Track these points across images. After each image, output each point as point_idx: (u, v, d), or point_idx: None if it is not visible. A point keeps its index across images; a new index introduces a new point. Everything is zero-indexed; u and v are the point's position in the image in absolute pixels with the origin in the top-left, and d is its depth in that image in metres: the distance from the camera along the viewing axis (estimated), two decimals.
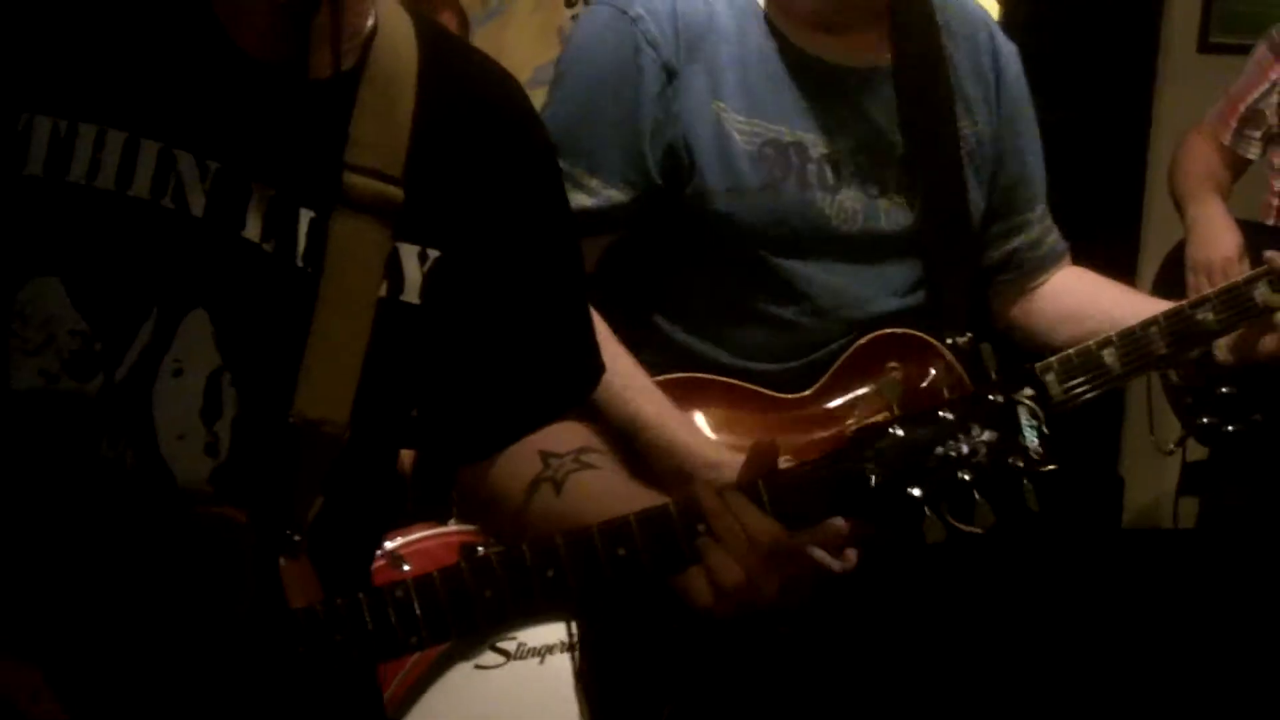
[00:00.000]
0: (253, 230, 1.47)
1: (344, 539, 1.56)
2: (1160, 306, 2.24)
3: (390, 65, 1.53)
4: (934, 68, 2.14)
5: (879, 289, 2.15)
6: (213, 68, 1.46)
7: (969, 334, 2.17)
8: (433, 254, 1.54)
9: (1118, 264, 4.83)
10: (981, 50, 2.22)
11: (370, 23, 1.53)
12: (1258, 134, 3.17)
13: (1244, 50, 3.26)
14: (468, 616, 1.46)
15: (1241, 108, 3.17)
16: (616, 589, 1.49)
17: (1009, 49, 2.27)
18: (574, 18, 4.31)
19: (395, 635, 1.45)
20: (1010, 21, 5.05)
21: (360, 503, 1.57)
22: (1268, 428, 2.98)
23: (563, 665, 3.26)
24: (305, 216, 1.48)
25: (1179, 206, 3.23)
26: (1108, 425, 5.11)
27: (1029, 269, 2.32)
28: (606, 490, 1.58)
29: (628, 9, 2.06)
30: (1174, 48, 5.10)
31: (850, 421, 2.12)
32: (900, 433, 1.48)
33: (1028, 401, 1.49)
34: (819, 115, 2.09)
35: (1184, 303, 2.16)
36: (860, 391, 2.13)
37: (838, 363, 2.13)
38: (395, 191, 1.50)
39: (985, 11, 2.31)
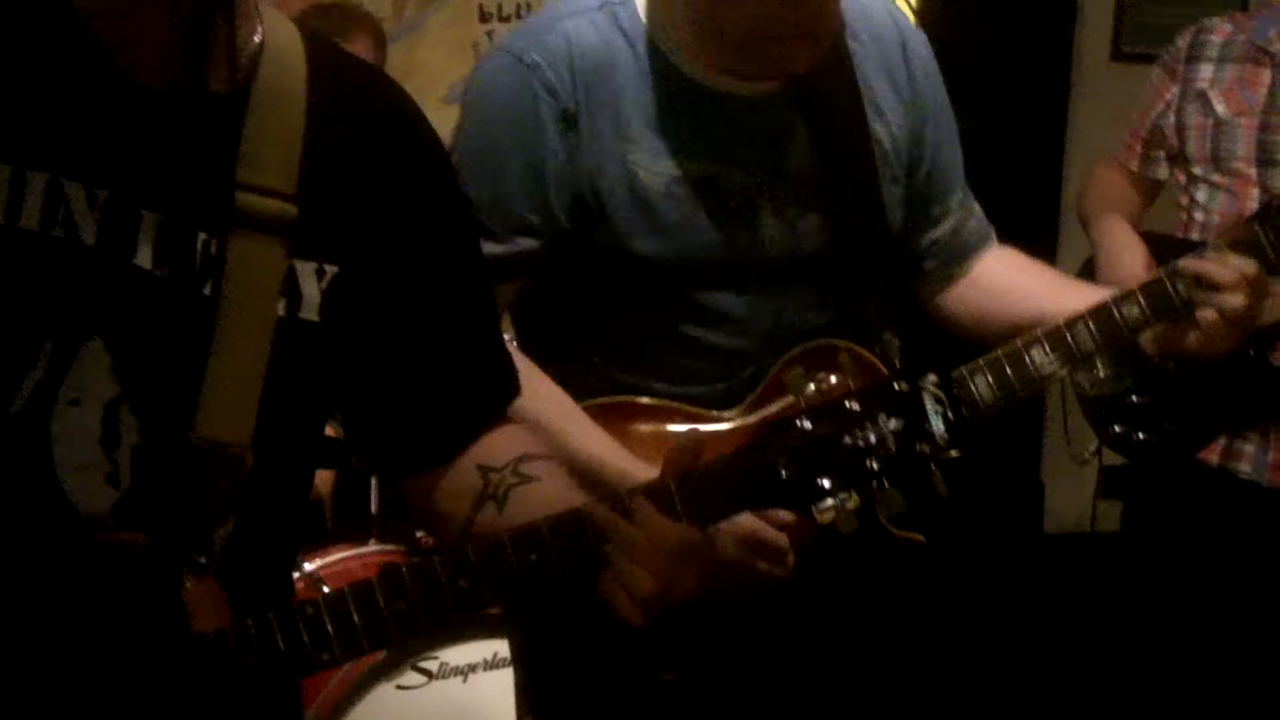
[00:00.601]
0: (144, 257, 1.44)
1: (256, 561, 1.54)
2: (1086, 289, 2.25)
3: (279, 81, 1.51)
4: (839, 79, 2.12)
5: (804, 304, 2.14)
6: (96, 95, 1.44)
7: (898, 342, 2.16)
8: (330, 270, 1.52)
9: None
10: (889, 45, 2.18)
11: (258, 39, 1.51)
12: (1161, 153, 3.19)
13: (1155, 59, 3.29)
14: (379, 629, 1.46)
15: (1144, 132, 3.20)
16: (531, 596, 1.50)
17: (917, 39, 2.23)
18: (489, 33, 4.30)
19: (307, 652, 1.44)
20: (924, 31, 5.09)
21: (270, 524, 1.56)
22: (1178, 435, 3.01)
23: (486, 684, 3.25)
24: (199, 238, 1.46)
25: (1085, 227, 3.26)
26: (1027, 433, 5.15)
27: (952, 257, 2.30)
28: (547, 503, 1.56)
29: (524, 56, 2.02)
30: (1087, 57, 5.15)
31: None
32: (807, 425, 1.49)
33: (933, 388, 1.50)
34: (728, 147, 2.06)
35: (1108, 298, 2.16)
36: (789, 401, 2.12)
37: (767, 378, 2.12)
38: (289, 208, 1.48)
39: (886, 3, 2.27)
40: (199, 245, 1.46)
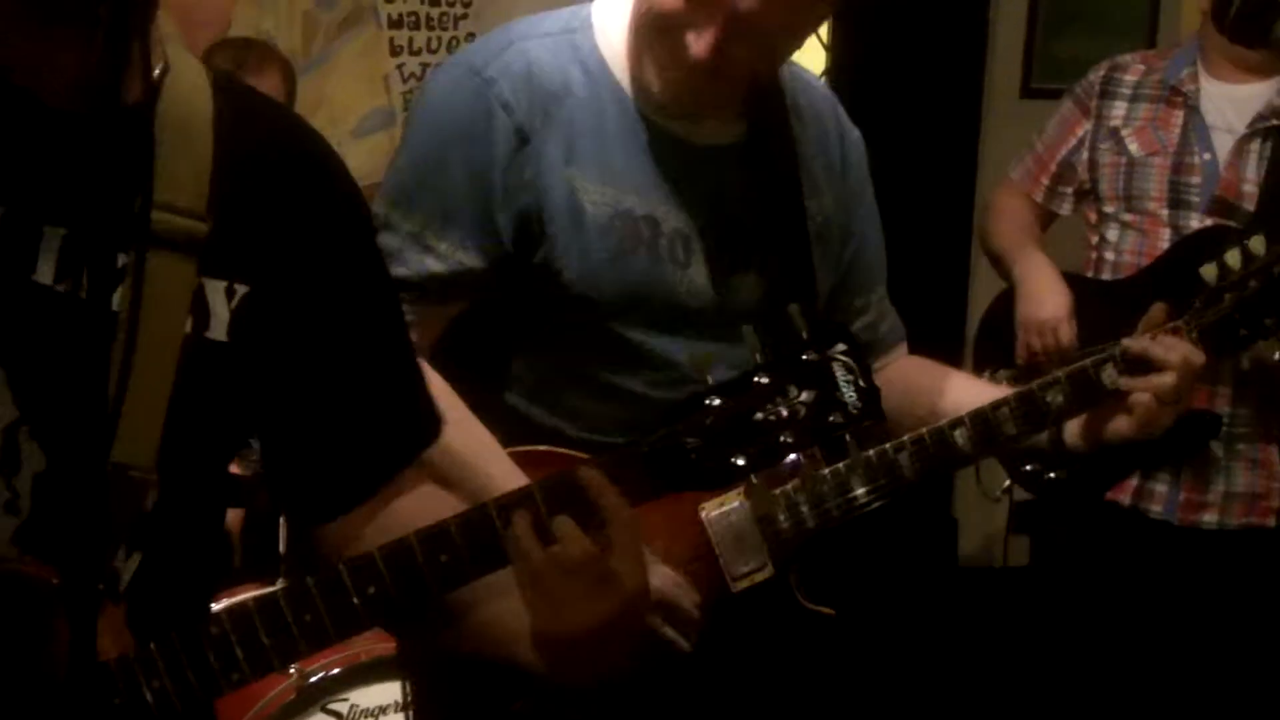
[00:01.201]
0: (45, 273, 1.40)
1: (168, 593, 1.50)
2: (988, 391, 2.26)
3: (186, 105, 1.48)
4: (784, 147, 2.13)
5: (725, 363, 2.12)
6: (9, 121, 1.41)
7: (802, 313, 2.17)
8: (240, 289, 1.49)
9: (945, 305, 4.92)
10: (829, 133, 2.21)
11: (161, 64, 1.48)
12: (1070, 190, 3.22)
13: (1067, 92, 3.32)
14: (288, 645, 1.44)
15: (1053, 165, 3.22)
16: (442, 597, 1.49)
17: (854, 135, 2.26)
18: (399, 66, 4.27)
19: (215, 675, 1.42)
20: (837, 66, 5.13)
21: (180, 555, 1.52)
22: (1088, 474, 3.02)
23: None
24: (103, 254, 1.42)
25: (999, 263, 3.27)
26: None
27: (868, 350, 2.31)
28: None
29: (482, 70, 2.01)
30: (997, 93, 5.20)
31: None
32: (717, 403, 1.48)
33: (842, 357, 1.49)
34: (672, 190, 2.06)
35: (1034, 384, 2.16)
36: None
37: None
38: (199, 226, 1.45)
39: (833, 96, 2.31)
40: (104, 261, 1.42)
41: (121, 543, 1.44)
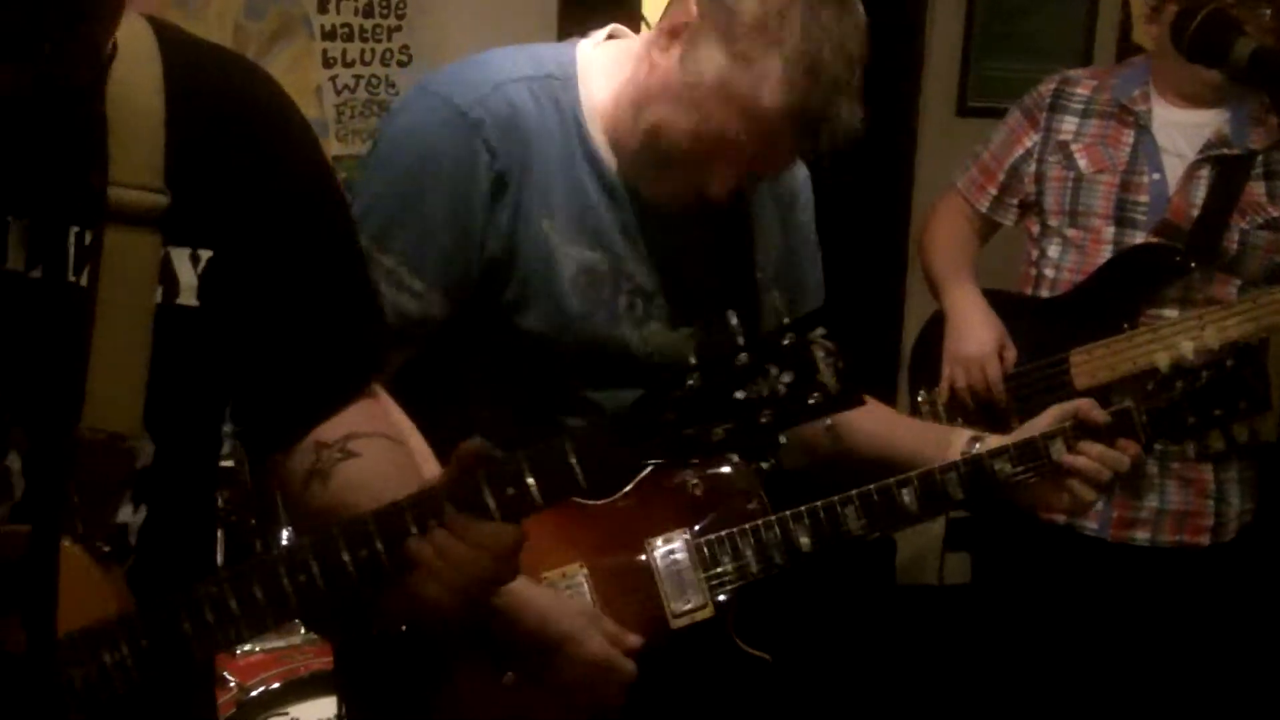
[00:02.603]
0: (16, 260, 1.46)
1: (173, 549, 1.58)
2: (919, 433, 2.33)
3: (135, 76, 1.51)
4: (737, 204, 2.12)
5: None
6: None
7: (771, 460, 2.19)
8: (204, 254, 1.54)
9: (881, 322, 4.92)
10: (780, 176, 2.21)
11: (110, 44, 1.50)
12: (1015, 201, 3.21)
13: (1000, 113, 3.31)
14: (283, 603, 1.49)
15: (1000, 174, 3.21)
16: (365, 589, 1.52)
17: (803, 174, 2.28)
18: (332, 79, 4.23)
19: (212, 630, 1.47)
20: None
21: (182, 511, 1.60)
22: None
23: None
24: (70, 236, 1.47)
25: (933, 285, 3.26)
26: None
27: None
28: (364, 481, 1.60)
29: (469, 111, 1.99)
30: (932, 111, 5.21)
31: (644, 533, 2.13)
32: (697, 381, 1.49)
33: (821, 340, 1.50)
34: (634, 247, 2.07)
35: (983, 451, 2.19)
36: (658, 500, 2.14)
37: (637, 478, 2.12)
38: (159, 199, 1.50)
39: None
40: (71, 243, 1.46)
41: (117, 506, 1.51)
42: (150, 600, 1.49)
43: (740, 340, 1.50)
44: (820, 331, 1.51)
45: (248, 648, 3.22)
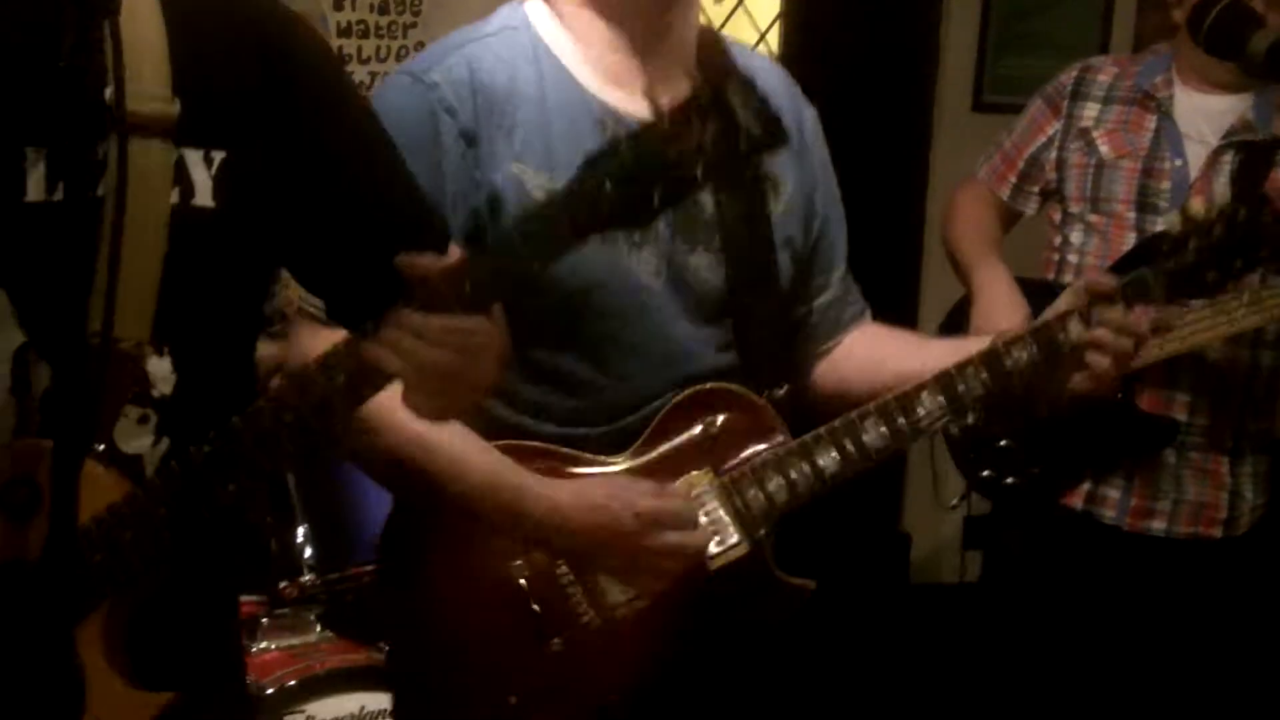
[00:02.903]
0: (35, 191, 1.49)
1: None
2: (948, 344, 2.28)
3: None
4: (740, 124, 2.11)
5: (690, 349, 2.12)
6: None
7: (786, 386, 2.16)
8: (217, 155, 1.57)
9: (897, 320, 4.90)
10: (786, 112, 2.16)
11: None
12: (1036, 189, 3.19)
13: (1015, 109, 3.29)
14: (274, 446, 1.53)
15: (1020, 162, 3.19)
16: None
17: (810, 115, 2.27)
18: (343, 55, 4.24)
19: (214, 490, 1.52)
20: None
21: (213, 411, 1.58)
22: (1045, 479, 3.01)
23: None
24: (84, 156, 1.48)
25: (959, 269, 3.24)
26: (889, 482, 5.15)
27: (824, 332, 2.32)
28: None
29: (424, 76, 2.03)
30: (948, 107, 5.20)
31: (667, 481, 2.10)
32: (625, 146, 1.49)
33: (738, 89, 1.52)
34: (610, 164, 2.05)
35: (999, 342, 2.15)
36: (678, 444, 2.11)
37: (654, 423, 2.10)
38: (168, 107, 1.53)
39: (784, 71, 2.33)
40: (85, 162, 1.48)
41: (122, 415, 1.53)
42: (151, 480, 1.54)
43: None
44: (735, 84, 1.52)
45: (264, 644, 3.22)
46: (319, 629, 3.29)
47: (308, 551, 3.32)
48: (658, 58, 2.07)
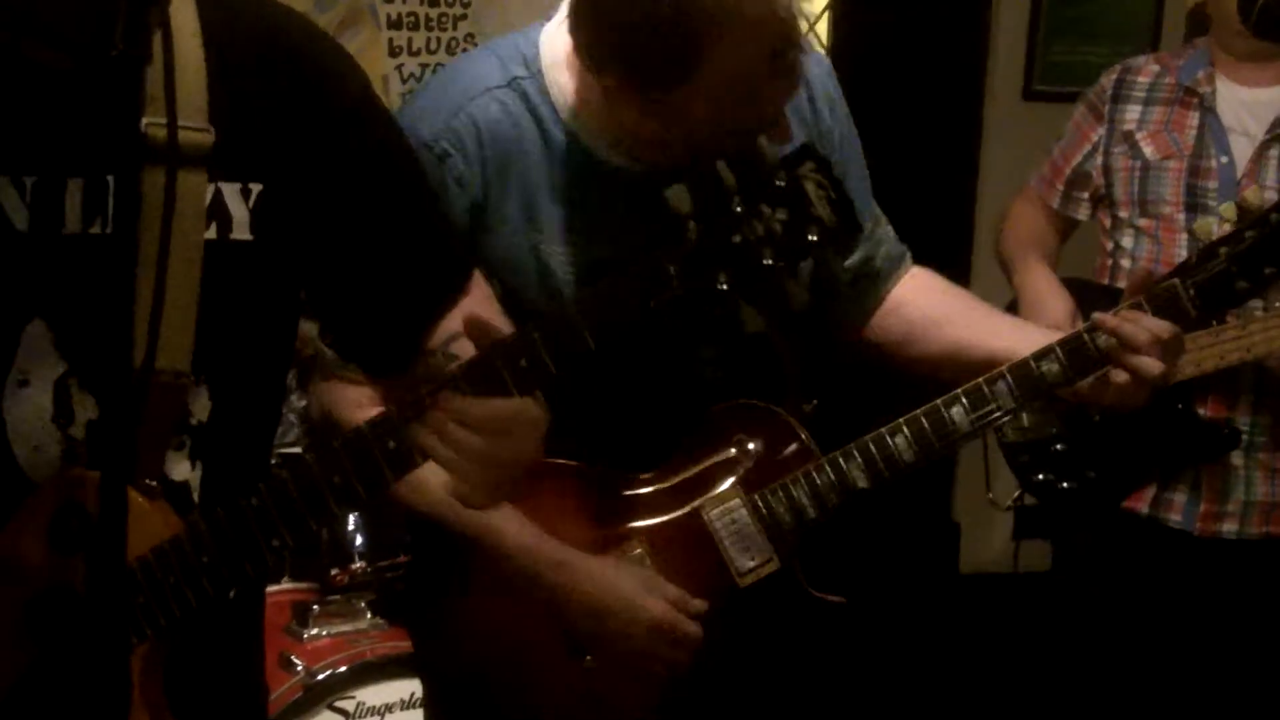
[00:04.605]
0: (73, 223, 1.49)
1: (238, 481, 1.59)
2: (1002, 319, 2.30)
3: (171, 22, 1.49)
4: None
5: (715, 368, 2.13)
6: (20, 91, 1.47)
7: (814, 400, 2.18)
8: (255, 188, 1.56)
9: None
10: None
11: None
12: (1085, 195, 3.17)
13: (1066, 98, 3.29)
14: (320, 505, 1.52)
15: (1067, 171, 3.18)
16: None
17: (818, 70, 2.19)
18: (398, 67, 4.25)
19: (259, 543, 1.52)
20: (837, 70, 5.10)
21: (237, 462, 1.62)
22: (1100, 483, 2.99)
23: None
24: (120, 185, 1.47)
25: (1004, 270, 3.24)
26: (940, 473, 5.14)
27: (868, 285, 2.29)
28: None
29: (434, 145, 1.98)
30: (998, 95, 5.17)
31: (697, 500, 2.11)
32: (694, 232, 1.49)
33: (812, 175, 1.50)
34: (635, 225, 2.02)
35: (1028, 355, 2.14)
36: (707, 461, 2.12)
37: (683, 442, 2.12)
38: (204, 137, 1.52)
39: None
40: (122, 192, 1.47)
41: (164, 441, 1.54)
42: (196, 525, 1.53)
43: (733, 185, 1.49)
44: (809, 165, 1.50)
45: (315, 631, 3.25)
46: (370, 615, 3.31)
47: (358, 539, 3.35)
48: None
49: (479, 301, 1.74)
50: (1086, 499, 3.00)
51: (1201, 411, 2.90)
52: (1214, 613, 3.02)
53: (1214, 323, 2.80)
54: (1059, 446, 2.96)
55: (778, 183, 1.49)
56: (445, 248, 1.77)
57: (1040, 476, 3.01)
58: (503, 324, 1.65)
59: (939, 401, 2.12)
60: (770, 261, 1.48)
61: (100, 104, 1.43)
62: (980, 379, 2.12)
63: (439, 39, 4.31)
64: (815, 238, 1.49)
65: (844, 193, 1.53)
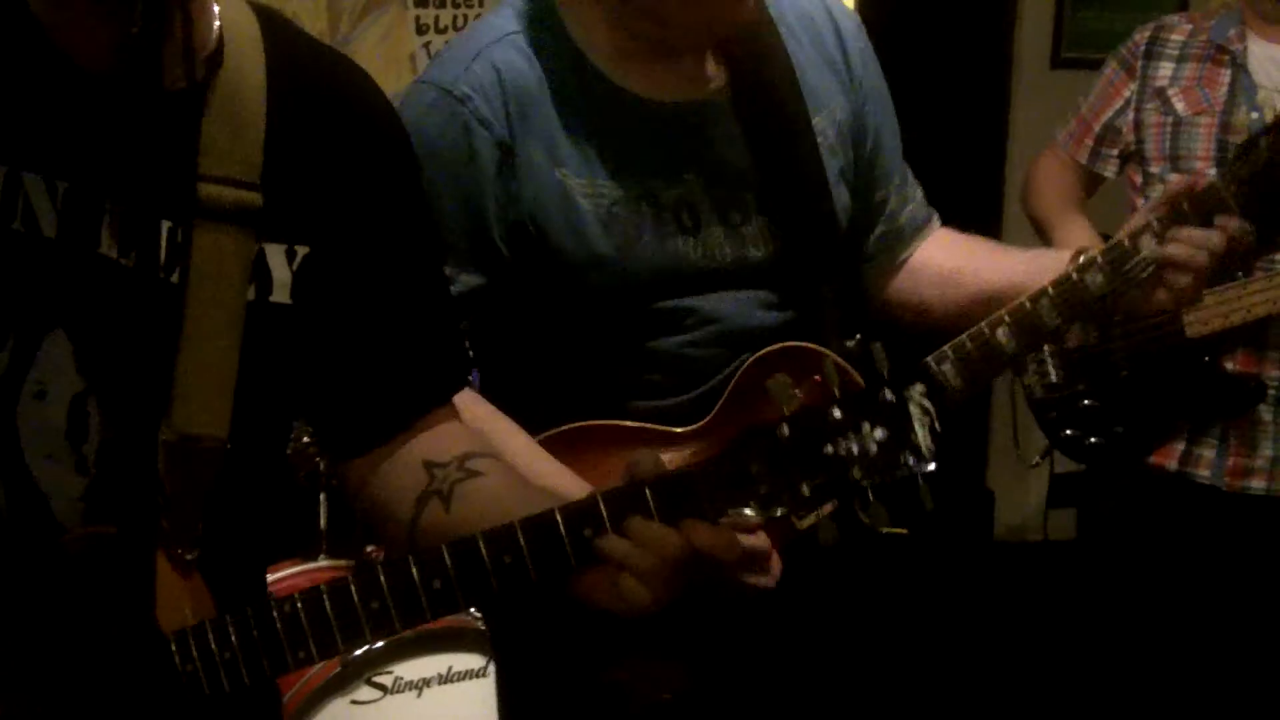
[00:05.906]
0: (108, 246, 1.45)
1: (236, 550, 1.56)
2: (1026, 254, 2.26)
3: (237, 71, 1.51)
4: (776, 74, 2.08)
5: (760, 308, 2.10)
6: (55, 89, 1.43)
7: (858, 336, 2.14)
8: (300, 250, 1.53)
9: None
10: (823, 32, 2.15)
11: (215, 33, 1.51)
12: (1115, 152, 3.17)
13: (1094, 65, 3.27)
14: (355, 628, 1.46)
15: (1097, 126, 3.18)
16: (504, 597, 1.47)
17: (850, 24, 2.18)
18: (426, 45, 4.26)
19: (283, 650, 1.45)
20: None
21: (249, 512, 1.58)
22: (1128, 439, 2.99)
23: (440, 698, 3.21)
24: (164, 229, 1.46)
25: (1041, 229, 3.23)
26: (973, 439, 5.14)
27: (894, 242, 2.28)
28: (494, 498, 1.55)
29: (453, 88, 1.97)
30: (1027, 63, 5.17)
31: None
32: (787, 432, 1.44)
33: (919, 398, 1.45)
34: (662, 160, 2.03)
35: (1070, 269, 2.13)
36: (753, 408, 2.07)
37: (729, 388, 2.09)
38: (253, 197, 1.49)
39: None
40: (164, 235, 1.46)
41: (199, 508, 1.48)
42: (238, 603, 1.46)
43: (836, 390, 1.45)
44: (920, 389, 1.45)
45: None
46: None
47: None
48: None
49: (465, 428, 1.70)
50: (1114, 454, 3.01)
51: (1229, 366, 2.90)
52: (1243, 570, 3.02)
53: (1240, 275, 2.81)
54: (1087, 402, 2.97)
55: (883, 397, 1.45)
56: (451, 350, 1.74)
57: (1069, 432, 3.02)
58: (476, 442, 1.65)
59: (983, 325, 2.12)
60: (858, 479, 1.44)
61: (156, 139, 1.42)
62: (1025, 297, 2.12)
63: (465, 16, 4.31)
64: (910, 465, 1.44)
65: (945, 424, 1.48)
